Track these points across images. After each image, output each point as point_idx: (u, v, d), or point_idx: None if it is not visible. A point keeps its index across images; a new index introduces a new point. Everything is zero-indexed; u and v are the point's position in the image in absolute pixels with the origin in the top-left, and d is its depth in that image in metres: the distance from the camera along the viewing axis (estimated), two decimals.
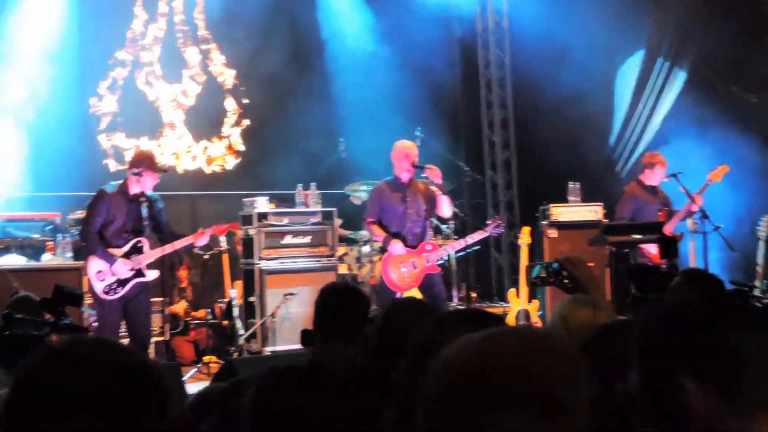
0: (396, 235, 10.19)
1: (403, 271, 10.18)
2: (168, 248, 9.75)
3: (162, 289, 10.44)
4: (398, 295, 10.14)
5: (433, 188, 10.28)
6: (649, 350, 2.08)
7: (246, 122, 14.84)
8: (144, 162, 9.62)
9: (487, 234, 10.58)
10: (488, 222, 10.77)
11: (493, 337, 1.81)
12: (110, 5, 13.92)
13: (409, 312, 4.13)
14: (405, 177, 10.27)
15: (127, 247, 9.55)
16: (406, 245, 10.18)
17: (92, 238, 9.54)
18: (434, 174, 10.13)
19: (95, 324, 10.48)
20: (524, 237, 12.20)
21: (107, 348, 2.03)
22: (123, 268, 9.45)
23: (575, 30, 13.76)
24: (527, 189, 15.17)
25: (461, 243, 10.71)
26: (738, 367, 1.97)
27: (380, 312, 4.49)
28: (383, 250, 10.40)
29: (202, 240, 10.10)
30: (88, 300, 10.42)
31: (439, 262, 10.54)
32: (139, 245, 9.59)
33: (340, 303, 5.38)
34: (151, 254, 9.58)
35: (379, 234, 10.26)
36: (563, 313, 4.20)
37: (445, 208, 10.32)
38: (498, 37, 16.13)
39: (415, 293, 10.28)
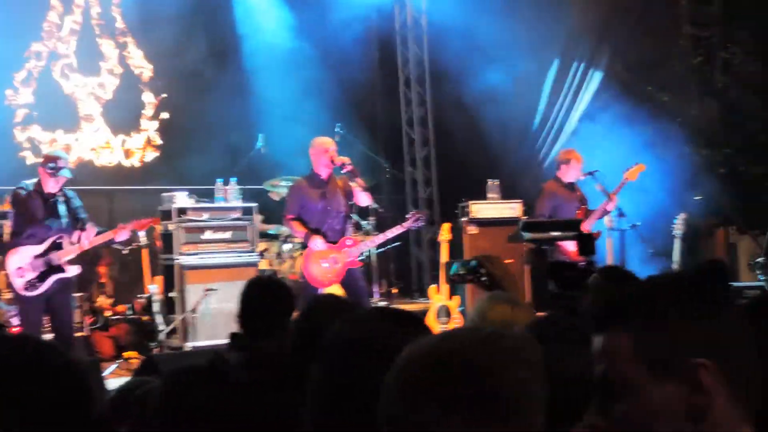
0: (316, 231, 10.21)
1: (324, 266, 10.20)
2: (87, 244, 9.67)
3: (81, 284, 10.36)
4: (320, 291, 10.16)
5: (352, 184, 10.30)
6: None
7: (164, 116, 14.75)
8: (44, 162, 9.58)
9: (407, 227, 10.64)
10: (408, 215, 10.82)
11: (448, 337, 1.84)
12: None
13: (329, 309, 4.17)
14: (324, 173, 10.30)
15: (45, 245, 9.46)
16: (326, 241, 10.21)
17: (12, 239, 9.52)
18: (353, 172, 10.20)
19: (14, 320, 10.43)
20: (444, 233, 12.29)
21: (30, 345, 2.03)
22: (33, 265, 9.38)
23: (495, 27, 13.85)
24: (447, 186, 15.26)
25: (381, 237, 10.75)
26: None
27: (301, 309, 4.52)
28: (304, 246, 10.41)
29: (122, 235, 10.01)
30: (7, 295, 10.37)
31: (360, 257, 10.60)
32: (59, 241, 9.51)
33: (263, 295, 5.43)
34: (70, 250, 9.50)
35: (300, 230, 10.27)
36: (481, 310, 4.26)
37: (363, 198, 10.34)
38: (416, 33, 16.20)
39: (337, 289, 10.33)
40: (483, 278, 4.58)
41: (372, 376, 2.07)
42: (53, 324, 9.52)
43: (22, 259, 9.42)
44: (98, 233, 9.75)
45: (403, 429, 1.73)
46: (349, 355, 2.45)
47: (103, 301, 12.12)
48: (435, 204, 15.70)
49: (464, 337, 1.82)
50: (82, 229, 9.65)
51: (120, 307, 12.20)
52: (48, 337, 9.21)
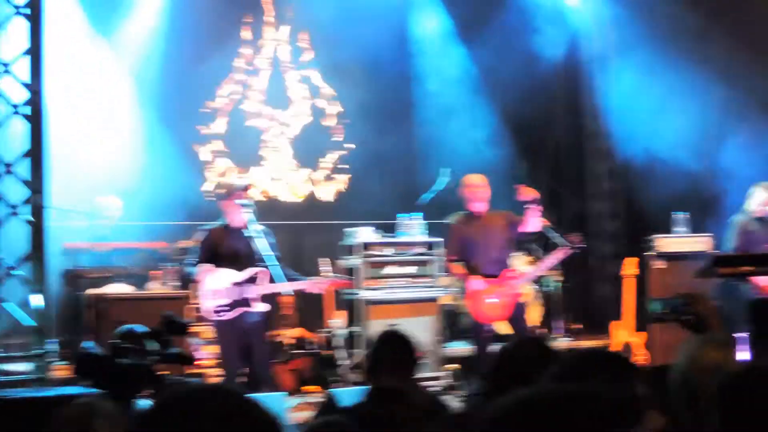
0: (475, 268, 10.14)
1: (489, 302, 10.08)
2: (280, 287, 9.65)
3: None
4: (487, 327, 10.10)
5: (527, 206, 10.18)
6: None
7: (349, 150, 14.88)
8: (226, 194, 9.70)
9: (567, 253, 10.35)
10: (566, 238, 10.52)
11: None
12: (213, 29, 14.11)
13: (528, 353, 4.08)
14: (478, 208, 10.23)
15: (244, 275, 9.52)
16: (486, 275, 10.12)
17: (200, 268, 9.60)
18: (525, 193, 10.09)
19: (198, 353, 10.56)
20: (629, 268, 12.04)
21: (231, 398, 2.00)
22: (227, 292, 9.43)
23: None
24: (633, 220, 14.95)
25: (543, 264, 10.57)
26: None
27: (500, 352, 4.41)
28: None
29: (313, 289, 10.07)
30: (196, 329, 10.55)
31: (544, 289, 10.47)
32: (255, 276, 9.58)
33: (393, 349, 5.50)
34: (264, 287, 9.53)
35: (458, 272, 10.24)
36: (693, 353, 4.11)
37: (532, 223, 10.21)
38: (603, 63, 15.92)
39: (505, 325, 10.24)
40: (687, 317, 4.39)
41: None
42: (249, 362, 9.53)
43: (220, 282, 9.53)
44: (291, 278, 9.73)
45: None
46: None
47: (285, 333, 12.22)
48: (619, 237, 15.37)
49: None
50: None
51: (304, 333, 12.18)
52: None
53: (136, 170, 13.03)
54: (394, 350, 5.62)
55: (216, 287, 9.44)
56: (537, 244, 12.55)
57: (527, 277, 10.39)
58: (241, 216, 9.50)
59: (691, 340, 4.23)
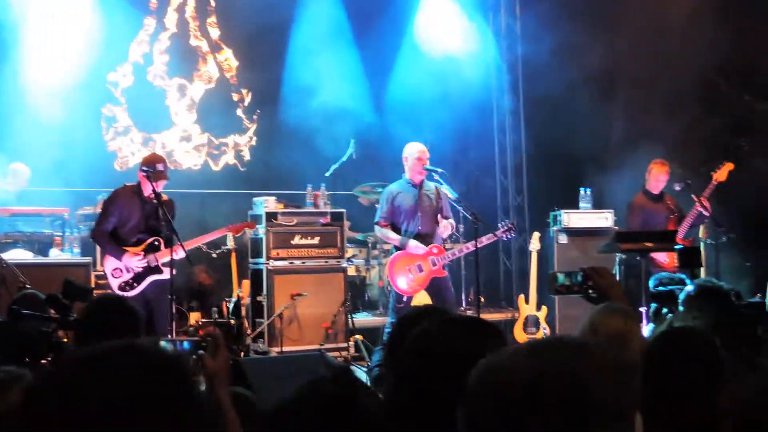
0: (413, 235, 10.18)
1: (409, 275, 10.10)
2: (188, 245, 9.67)
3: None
4: (405, 298, 10.09)
5: (443, 199, 10.25)
6: None
7: (255, 120, 14.77)
8: (146, 165, 9.58)
9: (496, 238, 10.45)
10: (499, 225, 10.64)
11: (541, 348, 1.83)
12: None
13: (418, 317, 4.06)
14: (417, 179, 10.22)
15: (143, 246, 9.51)
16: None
17: (103, 238, 9.55)
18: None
19: None
20: (534, 243, 12.14)
21: (131, 352, 1.93)
22: (133, 261, 9.41)
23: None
24: (537, 195, 15.05)
25: (470, 247, 10.58)
26: None
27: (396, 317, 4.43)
28: (397, 249, 10.31)
29: (218, 234, 10.34)
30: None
31: (448, 265, 10.48)
32: (156, 243, 9.54)
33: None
34: (166, 252, 9.48)
35: (394, 237, 10.22)
36: (594, 322, 4.16)
37: (446, 232, 10.32)
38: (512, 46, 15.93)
39: (423, 297, 10.24)
40: (590, 290, 4.43)
41: (444, 384, 2.21)
42: (150, 329, 9.49)
43: (116, 261, 9.48)
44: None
45: None
46: (421, 363, 2.57)
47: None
48: (525, 212, 15.47)
49: (559, 348, 1.83)
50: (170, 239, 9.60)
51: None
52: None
53: (41, 135, 12.74)
54: None
55: (115, 266, 9.44)
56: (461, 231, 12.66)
57: (449, 256, 10.36)
58: (151, 187, 9.42)
59: (595, 310, 4.28)
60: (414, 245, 10.07)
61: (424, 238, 10.21)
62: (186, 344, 3.69)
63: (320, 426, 2.34)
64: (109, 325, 4.83)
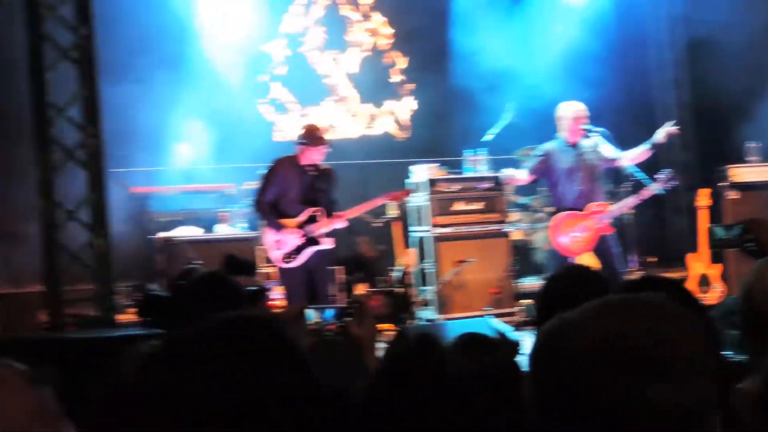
0: (559, 198, 10.04)
1: (574, 235, 9.95)
2: (347, 215, 9.77)
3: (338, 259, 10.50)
4: (570, 260, 9.95)
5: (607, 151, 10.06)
6: None
7: (410, 87, 14.76)
8: (306, 136, 9.64)
9: (658, 189, 10.14)
10: (658, 176, 10.27)
11: (612, 305, 1.82)
12: None
13: (575, 280, 3.98)
14: (573, 139, 10.05)
15: (302, 217, 9.58)
16: (572, 208, 9.96)
17: (264, 209, 9.63)
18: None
19: (272, 293, 10.67)
20: (702, 199, 11.79)
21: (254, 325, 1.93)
22: (291, 236, 9.49)
23: None
24: (704, 150, 14.64)
25: (632, 201, 10.32)
26: None
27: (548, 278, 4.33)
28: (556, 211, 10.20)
29: (374, 206, 10.30)
30: (267, 270, 10.60)
31: (614, 223, 10.28)
32: (315, 214, 9.60)
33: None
34: (326, 223, 9.56)
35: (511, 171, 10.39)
36: (758, 272, 3.97)
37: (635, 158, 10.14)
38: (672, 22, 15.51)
39: (589, 257, 10.07)
40: (749, 244, 4.23)
41: None
42: (312, 299, 9.60)
43: (275, 233, 9.58)
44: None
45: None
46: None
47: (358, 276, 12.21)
48: (692, 169, 15.06)
49: (631, 306, 1.81)
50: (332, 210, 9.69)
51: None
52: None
53: (205, 114, 13.00)
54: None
55: (276, 237, 9.53)
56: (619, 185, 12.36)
57: (612, 213, 10.16)
58: (314, 158, 9.50)
59: (755, 266, 4.09)
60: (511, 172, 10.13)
61: (585, 197, 10.04)
62: (331, 311, 3.69)
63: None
64: (212, 301, 4.87)
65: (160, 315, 6.23)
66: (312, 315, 3.61)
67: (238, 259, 5.85)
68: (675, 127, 10.07)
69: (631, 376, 1.67)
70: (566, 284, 4.03)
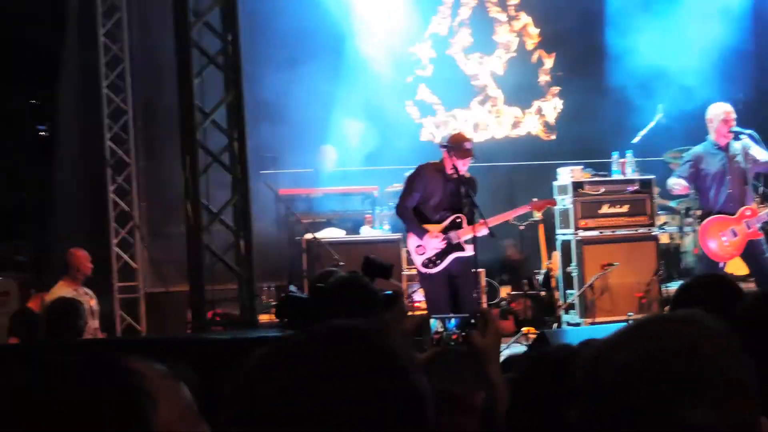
0: (712, 202, 9.83)
1: (723, 239, 9.73)
2: (491, 222, 9.70)
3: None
4: (721, 265, 9.75)
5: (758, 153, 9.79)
6: None
7: (557, 90, 14.66)
8: (453, 146, 9.59)
9: None
10: None
11: (648, 324, 1.81)
12: None
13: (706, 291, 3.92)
14: (723, 141, 9.84)
15: (445, 223, 9.55)
16: (721, 212, 9.74)
17: (407, 213, 9.63)
18: None
19: (416, 296, 10.74)
20: None
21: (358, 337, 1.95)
22: (433, 242, 9.47)
23: None
24: None
25: None
26: None
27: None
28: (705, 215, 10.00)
29: (518, 213, 10.31)
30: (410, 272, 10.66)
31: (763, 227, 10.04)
32: (458, 221, 9.56)
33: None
34: (469, 230, 9.53)
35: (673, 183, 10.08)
36: None
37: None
38: None
39: (738, 263, 9.85)
40: None
41: None
42: (456, 304, 9.56)
43: (418, 238, 9.59)
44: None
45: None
46: None
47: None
48: None
49: (667, 323, 1.79)
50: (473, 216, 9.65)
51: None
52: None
53: (354, 116, 13.17)
54: None
55: (418, 242, 9.53)
56: None
57: (762, 217, 9.91)
58: (458, 163, 9.50)
59: None
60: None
61: (735, 201, 9.81)
62: (454, 321, 3.68)
63: None
64: (348, 304, 4.90)
65: (298, 316, 6.30)
66: (435, 324, 3.60)
67: (376, 262, 5.84)
68: None
69: (669, 397, 1.63)
70: (698, 293, 3.98)
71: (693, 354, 1.67)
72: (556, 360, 2.96)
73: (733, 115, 9.87)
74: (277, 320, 7.46)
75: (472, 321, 3.53)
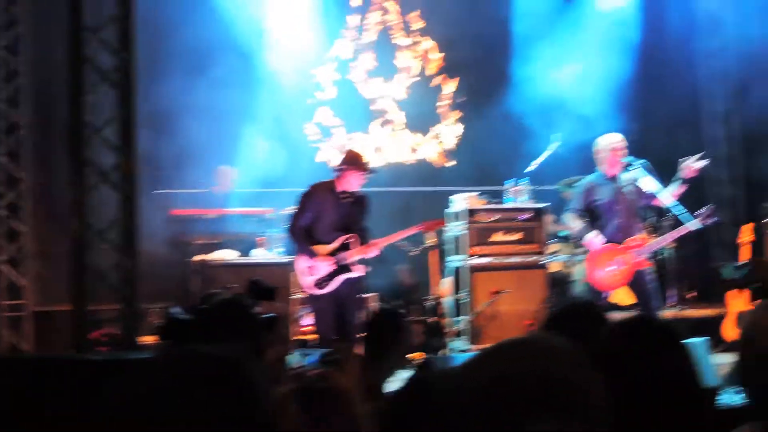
0: (601, 229, 9.95)
1: (610, 269, 9.87)
2: (381, 243, 9.74)
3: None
4: (605, 294, 9.88)
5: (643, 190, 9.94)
6: None
7: (456, 116, 14.76)
8: (349, 161, 9.65)
9: (697, 225, 10.01)
10: (699, 212, 10.15)
11: (497, 350, 1.88)
12: None
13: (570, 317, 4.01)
14: (612, 172, 9.98)
15: (336, 243, 9.57)
16: (610, 241, 9.87)
17: (297, 234, 9.63)
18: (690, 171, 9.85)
19: (305, 320, 10.72)
20: (746, 235, 11.65)
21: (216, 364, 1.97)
22: (323, 263, 9.48)
23: None
24: (753, 185, 14.48)
25: (671, 236, 10.22)
26: None
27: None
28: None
29: (411, 231, 10.23)
30: (299, 295, 10.62)
31: (656, 258, 10.18)
32: (349, 241, 9.58)
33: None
34: (359, 251, 9.56)
35: (576, 225, 10.02)
36: (755, 316, 3.92)
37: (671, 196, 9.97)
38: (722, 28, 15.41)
39: (625, 292, 9.99)
40: (754, 284, 4.17)
41: None
42: (339, 326, 9.57)
43: (308, 259, 9.58)
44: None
45: None
46: None
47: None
48: (739, 204, 14.90)
49: (516, 349, 1.87)
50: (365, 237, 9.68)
51: None
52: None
53: (247, 138, 13.13)
54: None
55: (308, 263, 9.52)
56: (661, 219, 12.23)
57: (650, 248, 10.07)
58: (354, 183, 9.52)
59: (757, 306, 4.04)
60: (589, 239, 9.84)
61: (624, 231, 9.95)
62: (313, 357, 3.69)
63: None
64: (227, 326, 4.88)
65: (180, 338, 6.24)
66: (295, 359, 3.60)
67: (260, 285, 5.84)
68: (703, 160, 9.90)
69: (519, 417, 1.67)
70: (563, 320, 4.05)
71: (542, 374, 1.72)
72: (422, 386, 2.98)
73: (623, 146, 9.99)
74: (160, 341, 7.41)
75: (333, 358, 3.52)
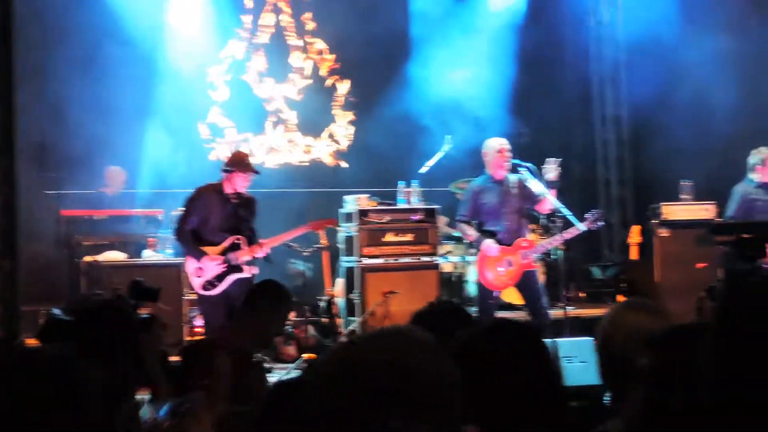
0: (490, 234, 10.03)
1: (499, 270, 9.98)
2: (269, 243, 9.73)
3: None
4: (495, 294, 10.01)
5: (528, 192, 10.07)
6: None
7: (348, 118, 14.77)
8: (234, 162, 9.63)
9: (584, 228, 10.17)
10: (587, 215, 10.33)
11: (365, 338, 1.87)
12: None
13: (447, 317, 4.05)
14: (499, 175, 10.08)
15: (224, 244, 9.52)
16: (501, 243, 9.99)
17: (185, 236, 9.58)
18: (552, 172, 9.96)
19: (197, 321, 10.67)
20: (634, 236, 11.86)
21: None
22: (212, 264, 9.44)
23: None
24: (641, 187, 14.73)
25: (559, 238, 10.36)
26: None
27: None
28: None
29: (300, 231, 10.25)
30: (190, 296, 10.55)
31: (550, 259, 10.32)
32: (237, 242, 9.55)
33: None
34: (248, 251, 9.53)
35: (471, 234, 10.13)
36: (613, 315, 3.99)
37: (548, 203, 10.08)
38: (611, 32, 15.69)
39: (513, 292, 10.12)
40: (622, 284, 4.25)
41: None
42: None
43: (196, 261, 9.53)
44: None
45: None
46: None
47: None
48: (628, 205, 15.16)
49: (379, 338, 1.85)
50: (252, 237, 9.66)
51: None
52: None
53: (138, 139, 13.00)
54: None
55: (197, 265, 9.48)
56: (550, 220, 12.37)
57: (538, 249, 10.21)
58: (240, 184, 9.48)
59: (617, 304, 4.12)
60: (486, 245, 9.95)
61: (511, 232, 10.07)
62: (165, 408, 3.63)
63: None
64: (105, 328, 4.83)
65: (61, 340, 6.16)
66: (147, 412, 3.54)
67: (142, 286, 5.78)
68: (555, 162, 10.06)
69: (371, 407, 1.67)
70: (432, 319, 4.09)
71: (397, 366, 1.72)
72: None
73: (508, 149, 10.12)
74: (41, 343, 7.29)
75: (185, 408, 3.46)
